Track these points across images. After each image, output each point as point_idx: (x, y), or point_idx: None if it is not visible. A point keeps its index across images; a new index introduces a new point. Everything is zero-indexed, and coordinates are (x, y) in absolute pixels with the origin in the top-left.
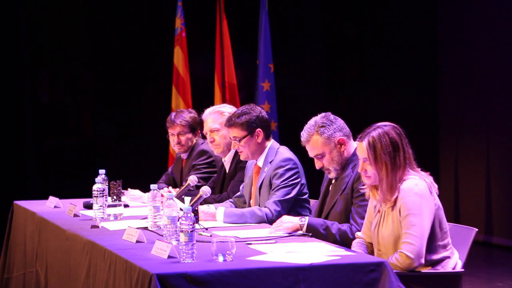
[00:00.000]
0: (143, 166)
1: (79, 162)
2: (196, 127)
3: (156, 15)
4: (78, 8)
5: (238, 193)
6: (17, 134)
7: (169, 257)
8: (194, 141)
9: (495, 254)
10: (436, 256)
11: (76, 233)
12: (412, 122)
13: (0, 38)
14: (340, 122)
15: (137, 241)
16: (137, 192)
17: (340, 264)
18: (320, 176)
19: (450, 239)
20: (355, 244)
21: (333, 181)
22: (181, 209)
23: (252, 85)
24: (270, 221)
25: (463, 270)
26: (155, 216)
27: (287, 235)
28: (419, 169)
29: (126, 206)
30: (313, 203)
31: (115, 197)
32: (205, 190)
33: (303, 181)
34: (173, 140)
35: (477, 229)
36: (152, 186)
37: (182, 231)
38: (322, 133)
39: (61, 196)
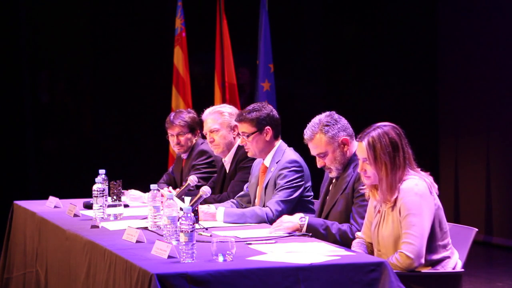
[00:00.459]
0: (143, 166)
1: (79, 162)
2: (195, 127)
3: (156, 15)
4: (78, 8)
5: (242, 193)
6: (17, 134)
7: (169, 257)
8: (194, 141)
9: (495, 254)
10: (436, 256)
11: (76, 233)
12: (412, 122)
13: (0, 38)
14: (344, 121)
15: (137, 241)
16: (137, 192)
17: (340, 264)
18: (320, 176)
19: (450, 239)
20: (355, 244)
21: (334, 181)
22: (181, 209)
23: (252, 85)
24: (271, 221)
25: (463, 270)
26: (155, 216)
27: (287, 235)
28: (419, 169)
29: (126, 206)
30: (315, 204)
31: (115, 197)
32: (205, 190)
33: (308, 184)
34: (172, 140)
35: (477, 229)
36: (152, 186)
37: (182, 231)
38: (326, 132)
39: (61, 196)
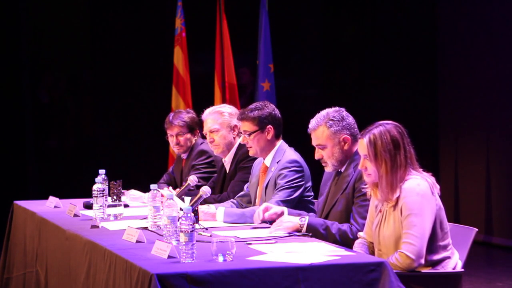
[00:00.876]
0: (143, 166)
1: (79, 162)
2: (194, 127)
3: (156, 15)
4: (78, 8)
5: (242, 193)
6: (17, 134)
7: (169, 257)
8: (193, 141)
9: (495, 254)
10: (436, 257)
11: (76, 233)
12: (412, 122)
13: (1, 38)
14: (350, 120)
15: (137, 241)
16: (137, 192)
17: (340, 264)
18: (320, 176)
19: (450, 239)
20: (356, 244)
21: (335, 181)
22: (181, 209)
23: (252, 85)
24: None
25: (463, 270)
26: (155, 216)
27: (287, 235)
28: (421, 169)
29: (126, 206)
30: (316, 204)
31: (115, 197)
32: (205, 190)
33: (308, 184)
34: (172, 141)
35: (477, 229)
36: (152, 186)
37: (182, 231)
38: (330, 126)
39: (61, 196)
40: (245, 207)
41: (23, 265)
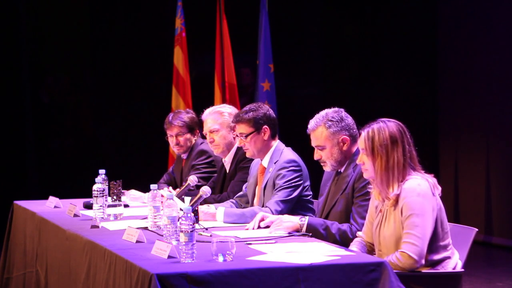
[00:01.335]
0: (143, 166)
1: (79, 162)
2: (194, 127)
3: (156, 15)
4: (78, 8)
5: (241, 193)
6: (17, 134)
7: (169, 257)
8: (193, 141)
9: (495, 254)
10: (436, 256)
11: (76, 233)
12: (412, 122)
13: (1, 38)
14: (350, 121)
15: (137, 241)
16: (137, 192)
17: (340, 264)
18: (319, 176)
19: (450, 239)
20: (354, 242)
21: (334, 181)
22: (181, 209)
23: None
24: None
25: (463, 270)
26: (155, 216)
27: (287, 235)
28: (424, 171)
29: (126, 206)
30: (315, 204)
31: (115, 197)
32: (205, 190)
33: (307, 183)
34: (171, 141)
35: (477, 229)
36: (152, 186)
37: (182, 231)
38: (328, 127)
39: (61, 196)
40: (244, 207)
41: (23, 265)
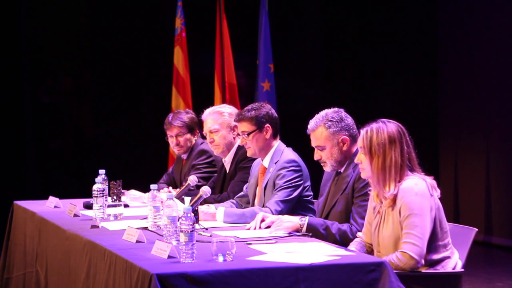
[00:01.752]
0: (143, 166)
1: (79, 162)
2: (194, 127)
3: (156, 15)
4: (78, 8)
5: (241, 193)
6: (17, 134)
7: (169, 257)
8: (193, 141)
9: (495, 254)
10: (436, 256)
11: (76, 233)
12: (412, 122)
13: (1, 38)
14: (349, 121)
15: (137, 241)
16: (137, 192)
17: (340, 264)
18: (319, 176)
19: (450, 239)
20: (353, 242)
21: (334, 181)
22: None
23: (250, 87)
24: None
25: (463, 270)
26: (155, 216)
27: (287, 235)
28: (423, 173)
29: (126, 206)
30: (315, 204)
31: (115, 197)
32: (205, 190)
33: (307, 183)
34: (171, 141)
35: (477, 229)
36: (152, 186)
37: (182, 231)
38: (328, 127)
39: (61, 196)
40: (245, 208)
41: (23, 265)
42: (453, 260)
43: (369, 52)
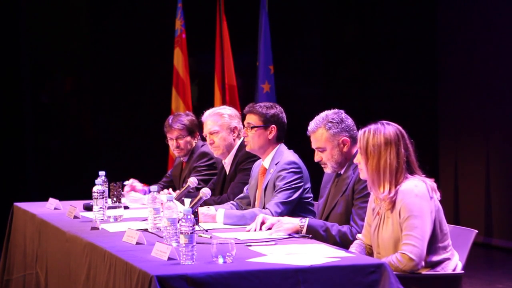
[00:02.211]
0: (143, 168)
1: (79, 164)
2: (194, 129)
3: (156, 17)
4: (78, 9)
5: (242, 195)
6: (17, 134)
7: (169, 259)
8: (194, 143)
9: (495, 255)
10: (436, 258)
11: (76, 235)
12: (412, 122)
13: (1, 39)
14: (350, 122)
15: (137, 243)
16: (137, 194)
17: (340, 265)
18: (320, 177)
19: (450, 240)
20: (353, 244)
21: (334, 183)
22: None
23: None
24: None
25: (463, 271)
26: (155, 218)
27: (287, 236)
28: (424, 175)
29: (126, 208)
30: (315, 205)
31: (115, 199)
32: (205, 192)
33: (307, 185)
34: (172, 144)
35: (477, 231)
36: (152, 188)
37: (182, 233)
38: (328, 128)
39: (61, 198)
40: (245, 209)
41: (23, 267)
42: (453, 262)
43: (369, 53)
